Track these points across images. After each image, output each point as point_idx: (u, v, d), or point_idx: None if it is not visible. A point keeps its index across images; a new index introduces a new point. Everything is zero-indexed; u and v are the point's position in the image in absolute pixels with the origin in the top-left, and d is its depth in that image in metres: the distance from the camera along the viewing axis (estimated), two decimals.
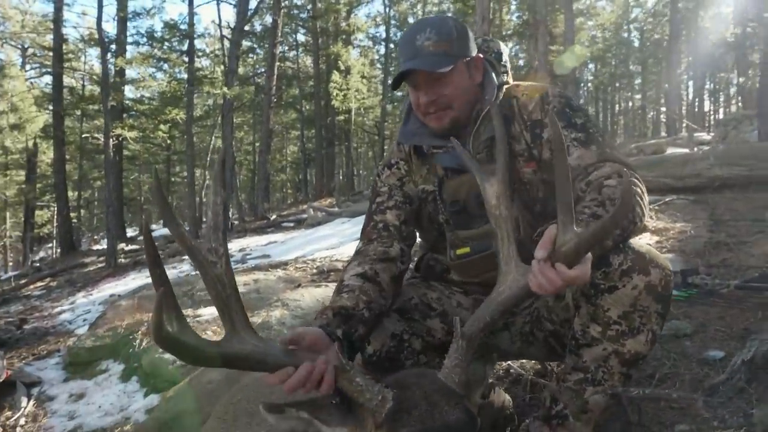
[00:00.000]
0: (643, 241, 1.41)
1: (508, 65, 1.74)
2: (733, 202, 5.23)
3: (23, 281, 11.69)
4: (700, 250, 3.67)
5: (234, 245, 10.37)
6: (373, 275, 1.52)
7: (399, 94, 29.11)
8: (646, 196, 1.39)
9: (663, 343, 2.39)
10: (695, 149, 10.75)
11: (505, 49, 1.78)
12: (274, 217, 16.19)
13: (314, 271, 5.28)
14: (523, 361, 2.45)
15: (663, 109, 33.00)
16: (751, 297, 2.65)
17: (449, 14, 24.43)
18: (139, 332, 4.04)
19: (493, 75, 1.64)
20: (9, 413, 3.38)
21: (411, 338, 1.58)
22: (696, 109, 33.30)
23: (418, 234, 1.91)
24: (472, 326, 1.17)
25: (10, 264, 25.66)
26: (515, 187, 1.59)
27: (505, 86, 1.66)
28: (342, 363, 1.06)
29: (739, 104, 27.84)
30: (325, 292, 4.01)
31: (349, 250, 6.40)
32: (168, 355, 3.30)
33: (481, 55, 1.62)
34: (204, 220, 23.65)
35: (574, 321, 1.45)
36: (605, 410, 1.48)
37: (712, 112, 37.14)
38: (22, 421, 3.26)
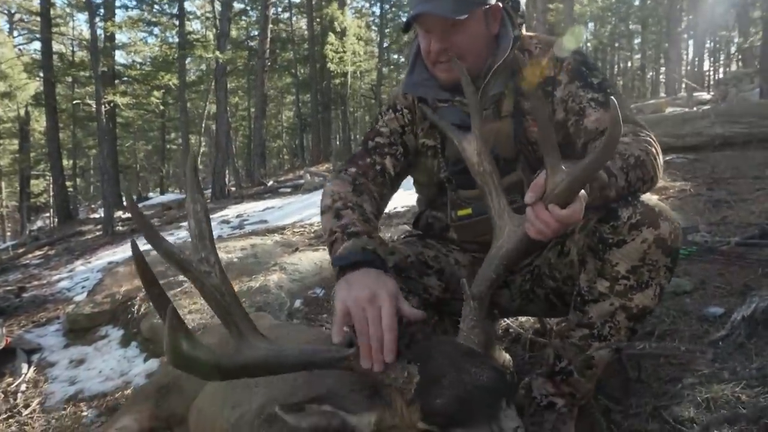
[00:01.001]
0: (652, 196, 1.38)
1: (525, 15, 1.65)
2: (733, 160, 5.20)
3: (21, 250, 11.68)
4: (700, 208, 3.66)
5: (231, 211, 10.34)
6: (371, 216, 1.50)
7: (395, 56, 28.68)
8: (660, 156, 1.36)
9: (663, 300, 2.37)
10: (695, 109, 10.64)
11: (543, 14, 1.69)
12: (271, 182, 16.12)
13: (311, 235, 5.26)
14: (522, 320, 2.45)
15: (663, 69, 32.58)
16: (751, 253, 2.65)
17: None
18: (138, 298, 4.03)
19: (510, 27, 1.55)
20: (10, 380, 3.39)
21: (408, 296, 1.53)
22: (696, 69, 32.84)
23: (415, 188, 1.87)
24: (480, 285, 1.14)
25: (8, 234, 25.67)
26: (520, 148, 1.54)
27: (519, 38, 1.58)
28: (357, 350, 1.03)
29: (739, 63, 27.48)
30: (323, 255, 3.99)
31: None
32: None
33: (500, 4, 1.53)
34: (201, 186, 23.54)
35: (580, 277, 1.42)
36: (609, 366, 1.47)
37: (712, 72, 36.68)
38: (23, 387, 3.27)
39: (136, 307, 3.87)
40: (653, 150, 1.33)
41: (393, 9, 27.03)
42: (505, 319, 2.38)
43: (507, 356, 2.02)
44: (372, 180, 1.60)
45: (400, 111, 1.69)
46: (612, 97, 1.41)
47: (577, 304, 1.44)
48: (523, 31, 1.64)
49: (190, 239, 1.25)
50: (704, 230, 3.05)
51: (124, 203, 20.32)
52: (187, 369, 0.95)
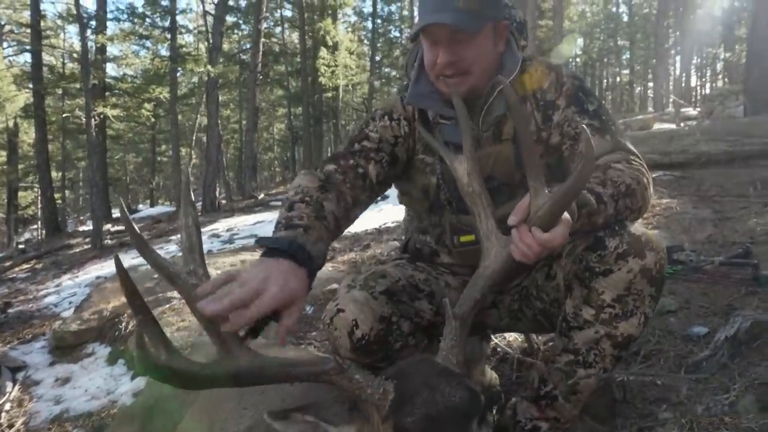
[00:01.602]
0: (638, 224, 1.40)
1: (528, 38, 1.65)
2: (718, 178, 5.27)
3: (8, 264, 11.55)
4: (685, 226, 3.70)
5: (221, 225, 10.31)
6: (338, 218, 1.41)
7: (387, 69, 28.87)
8: (651, 186, 1.38)
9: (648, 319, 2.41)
10: (682, 125, 10.80)
11: (532, 31, 1.69)
12: (262, 196, 16.10)
13: None
14: (510, 339, 2.46)
15: (650, 84, 33.03)
16: (735, 273, 2.67)
17: None
18: (125, 315, 4.00)
19: (515, 48, 1.54)
20: None
21: (399, 320, 1.53)
22: (683, 85, 33.35)
23: (405, 206, 1.86)
24: (463, 305, 1.15)
25: None
26: (522, 172, 1.54)
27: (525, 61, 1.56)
28: (339, 363, 1.01)
29: (726, 79, 27.93)
30: None
31: None
32: None
33: (507, 22, 1.50)
34: (192, 199, 23.43)
35: (566, 303, 1.43)
36: (594, 392, 1.48)
37: (699, 87, 37.23)
38: (7, 407, 3.23)
39: (123, 324, 3.85)
40: (644, 180, 1.35)
41: (384, 23, 27.28)
42: (493, 339, 2.39)
43: (494, 375, 2.03)
44: (350, 182, 1.50)
45: (397, 120, 1.62)
46: (588, 125, 1.42)
47: (562, 329, 1.44)
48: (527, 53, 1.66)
49: (180, 253, 1.25)
50: (689, 249, 3.08)
51: (114, 216, 20.20)
52: (162, 378, 0.96)
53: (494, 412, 1.86)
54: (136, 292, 0.97)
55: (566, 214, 1.10)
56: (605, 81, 40.73)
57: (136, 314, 0.96)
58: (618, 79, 40.51)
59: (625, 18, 34.50)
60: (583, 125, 1.02)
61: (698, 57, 35.13)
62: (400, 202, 1.85)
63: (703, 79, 38.09)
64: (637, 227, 1.35)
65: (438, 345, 1.70)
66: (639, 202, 1.34)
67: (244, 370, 1.03)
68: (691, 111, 15.84)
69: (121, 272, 0.97)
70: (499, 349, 2.39)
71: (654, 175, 5.28)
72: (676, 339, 2.21)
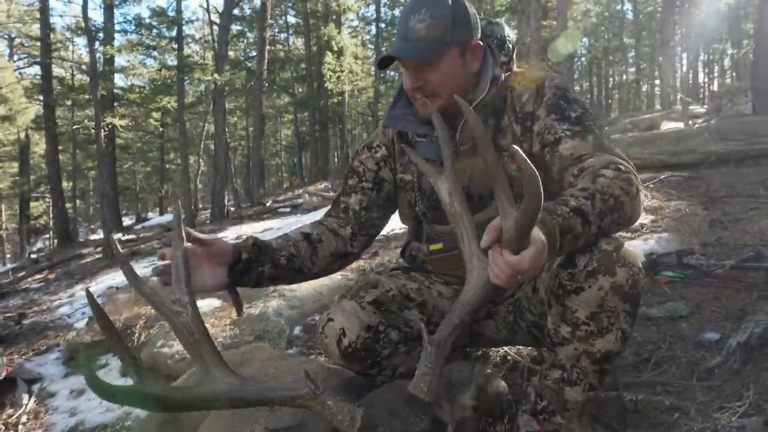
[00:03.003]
0: (617, 237, 1.35)
1: (513, 52, 1.66)
2: (728, 178, 5.23)
3: (21, 274, 11.67)
4: (695, 229, 3.68)
5: (230, 233, 10.35)
6: (315, 239, 1.64)
7: (392, 73, 28.90)
8: (641, 193, 1.34)
9: (659, 325, 2.40)
10: (690, 122, 10.73)
11: (511, 33, 1.69)
12: (269, 202, 16.14)
13: None
14: (520, 347, 2.46)
15: (657, 82, 32.82)
16: (747, 277, 2.66)
17: None
18: (138, 326, 4.04)
19: (491, 65, 1.56)
20: (11, 411, 3.39)
21: (387, 329, 1.60)
22: (690, 82, 33.11)
23: (401, 220, 1.90)
24: (442, 331, 1.12)
25: (8, 256, 25.64)
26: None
27: (504, 75, 1.59)
28: (313, 388, 1.04)
29: (734, 75, 27.71)
30: (322, 282, 4.01)
31: None
32: (167, 349, 3.31)
33: (480, 43, 1.54)
34: (200, 206, 23.61)
35: (548, 319, 1.44)
36: (586, 404, 1.49)
37: (706, 84, 36.95)
38: (24, 419, 3.27)
39: (136, 335, 3.88)
40: (633, 188, 1.30)
41: (389, 28, 27.31)
42: (503, 347, 2.39)
43: (503, 383, 2.04)
44: (335, 217, 1.74)
45: (377, 148, 1.75)
46: (568, 131, 1.44)
47: (548, 344, 1.46)
48: (513, 66, 1.67)
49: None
50: (699, 252, 3.07)
51: (124, 225, 20.36)
52: (135, 404, 1.08)
53: (505, 422, 1.88)
54: (105, 316, 1.10)
55: (541, 237, 1.06)
56: (611, 80, 40.55)
57: (107, 340, 1.08)
58: (624, 77, 40.29)
59: (630, 16, 34.33)
60: (515, 147, 0.97)
61: (705, 53, 34.88)
62: (401, 221, 1.90)
63: (711, 76, 37.81)
64: (611, 242, 1.31)
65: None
66: (627, 214, 1.29)
67: (222, 394, 1.08)
68: (699, 108, 15.73)
69: (93, 302, 1.13)
70: (509, 357, 2.39)
71: (662, 176, 5.27)
72: (687, 345, 2.20)
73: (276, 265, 1.52)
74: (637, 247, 3.35)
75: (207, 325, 3.41)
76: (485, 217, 1.49)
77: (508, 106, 1.56)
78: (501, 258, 1.05)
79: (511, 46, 1.66)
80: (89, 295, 1.13)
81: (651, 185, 5.23)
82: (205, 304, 3.97)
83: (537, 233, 1.06)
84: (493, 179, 1.07)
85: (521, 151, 0.96)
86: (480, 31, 1.55)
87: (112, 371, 3.75)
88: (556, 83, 1.54)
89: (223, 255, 1.44)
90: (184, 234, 1.28)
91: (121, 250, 1.27)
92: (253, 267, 1.49)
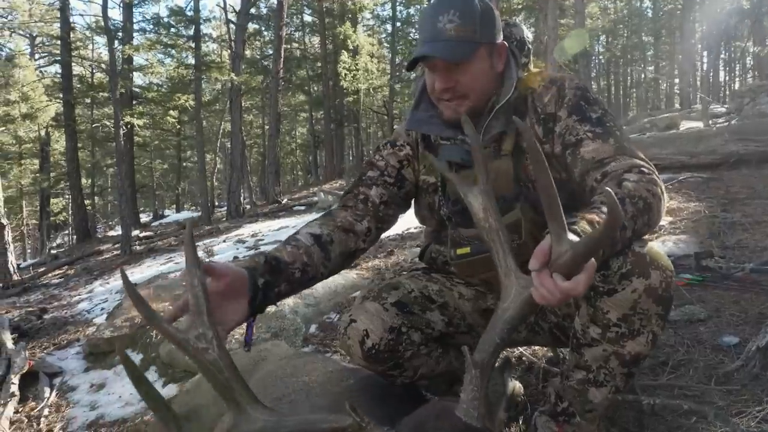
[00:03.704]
0: (646, 239, 1.36)
1: (530, 53, 1.68)
2: (748, 179, 5.16)
3: (41, 269, 11.89)
4: (714, 231, 3.63)
5: (246, 230, 10.45)
6: (327, 241, 1.54)
7: (408, 73, 28.79)
8: (665, 195, 1.33)
9: (677, 328, 2.38)
10: (710, 122, 10.58)
11: (528, 34, 1.70)
12: (285, 200, 16.25)
13: None
14: (536, 348, 2.45)
15: (677, 81, 32.39)
16: (767, 280, 2.63)
17: None
18: None
19: (513, 67, 1.57)
20: (33, 404, 3.46)
21: (409, 331, 1.60)
22: (711, 80, 32.60)
23: (418, 221, 1.90)
24: (483, 352, 1.10)
25: (28, 251, 26.10)
26: (520, 186, 1.56)
27: (524, 76, 1.60)
28: (357, 419, 0.98)
29: (755, 74, 27.24)
30: (337, 280, 4.03)
31: None
32: None
33: (505, 43, 1.55)
34: (216, 204, 23.82)
35: (575, 320, 1.43)
36: (608, 406, 1.48)
37: (727, 83, 36.38)
38: (45, 412, 3.34)
39: (155, 331, 3.93)
40: (658, 191, 1.30)
41: (404, 26, 27.27)
42: (518, 348, 2.39)
43: (518, 384, 2.04)
44: (353, 208, 1.64)
45: (401, 146, 1.73)
46: (589, 132, 1.42)
47: (573, 345, 1.45)
48: (531, 68, 1.67)
49: (207, 259, 1.29)
50: (718, 255, 3.04)
51: (142, 221, 20.61)
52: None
53: (520, 422, 1.88)
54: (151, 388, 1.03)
55: (593, 261, 1.05)
56: (629, 78, 40.08)
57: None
58: (643, 76, 39.80)
59: (649, 13, 33.89)
60: (608, 189, 0.96)
61: (726, 52, 34.33)
62: (419, 222, 1.89)
63: (732, 75, 37.22)
64: (643, 244, 1.31)
65: (452, 354, 1.73)
66: (655, 216, 1.29)
67: (260, 430, 1.01)
68: (720, 108, 15.50)
69: (128, 285, 1.08)
70: (524, 358, 2.39)
71: (681, 177, 5.21)
72: (706, 349, 2.18)
73: (290, 280, 1.44)
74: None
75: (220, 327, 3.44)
76: (510, 220, 1.50)
77: (529, 107, 1.56)
78: (551, 281, 1.03)
79: (529, 47, 1.67)
80: (124, 277, 1.06)
81: (670, 186, 5.18)
82: None
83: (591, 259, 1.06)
84: (546, 202, 1.04)
85: (611, 193, 0.94)
86: (501, 31, 1.56)
87: None
88: (576, 83, 1.54)
89: (241, 289, 1.31)
90: (197, 259, 1.16)
91: (141, 298, 1.10)
92: (270, 292, 1.40)
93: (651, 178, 1.31)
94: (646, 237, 1.36)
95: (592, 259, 1.05)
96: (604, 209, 1.20)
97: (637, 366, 1.41)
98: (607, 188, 0.97)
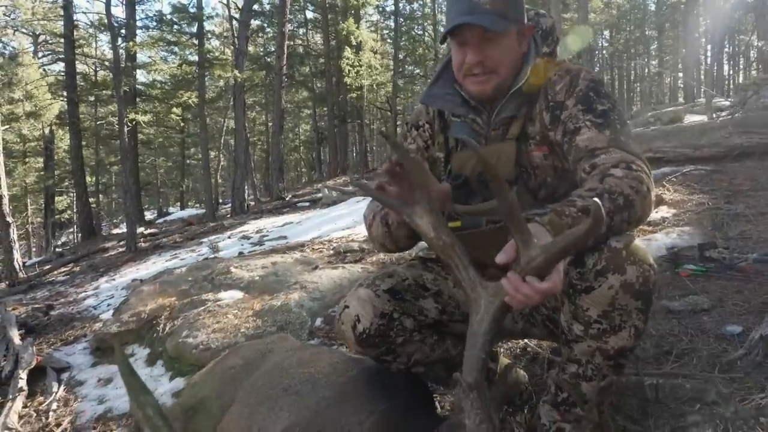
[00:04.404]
0: (629, 234, 1.35)
1: (557, 44, 1.69)
2: (752, 172, 5.15)
3: (47, 267, 11.94)
4: (717, 223, 3.64)
5: (251, 227, 10.47)
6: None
7: (410, 68, 28.84)
8: (653, 192, 1.34)
9: (681, 318, 2.40)
10: (714, 116, 10.53)
11: (557, 24, 1.73)
12: (289, 197, 16.28)
13: (331, 252, 5.32)
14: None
15: (680, 74, 32.23)
16: None
17: None
18: (162, 317, 4.13)
19: (533, 53, 1.60)
20: (41, 398, 3.49)
21: (401, 317, 1.62)
22: (715, 74, 32.45)
23: None
24: (473, 371, 1.09)
25: (33, 249, 26.24)
26: (521, 171, 1.58)
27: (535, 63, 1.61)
28: None
29: (759, 67, 27.08)
30: (342, 273, 4.05)
31: (364, 230, 6.42)
32: (191, 339, 3.38)
33: (532, 25, 1.59)
34: (221, 201, 23.87)
35: (561, 316, 1.45)
36: (606, 394, 1.49)
37: (731, 76, 36.19)
38: (54, 406, 3.37)
39: (161, 326, 3.96)
40: (644, 188, 1.30)
41: (407, 22, 27.22)
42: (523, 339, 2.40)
43: (523, 374, 2.06)
44: None
45: (423, 127, 1.76)
46: (589, 122, 1.44)
47: (563, 340, 1.47)
48: (556, 56, 1.68)
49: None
50: (722, 246, 3.04)
51: (146, 219, 20.67)
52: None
53: (525, 411, 1.90)
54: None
55: (563, 263, 1.09)
56: (633, 72, 39.93)
57: None
58: (646, 70, 39.64)
59: (653, 7, 33.76)
60: (597, 201, 0.97)
61: (730, 45, 34.15)
62: None
63: (736, 68, 37.02)
64: (621, 239, 1.31)
65: (449, 342, 1.75)
66: (638, 213, 1.29)
67: None
68: (724, 101, 15.42)
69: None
70: (529, 349, 2.40)
71: (685, 170, 5.20)
72: (709, 338, 2.19)
73: None
74: (659, 240, 3.33)
75: (230, 316, 3.46)
76: (490, 206, 1.54)
77: (541, 93, 1.57)
78: (526, 286, 1.05)
79: (555, 37, 1.68)
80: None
81: (674, 179, 5.18)
82: (228, 296, 4.04)
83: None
84: (505, 213, 1.06)
85: (598, 202, 0.97)
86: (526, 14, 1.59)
87: (137, 361, 3.84)
88: (591, 76, 1.55)
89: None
90: (142, 384, 1.13)
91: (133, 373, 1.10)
92: None
93: (637, 174, 1.31)
94: (648, 228, 1.37)
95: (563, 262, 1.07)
96: (579, 203, 1.22)
97: (624, 358, 1.42)
98: (596, 200, 0.97)
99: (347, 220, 7.89)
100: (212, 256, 7.22)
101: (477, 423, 1.03)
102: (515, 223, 1.06)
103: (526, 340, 2.43)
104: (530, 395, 1.99)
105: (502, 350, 2.36)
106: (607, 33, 34.32)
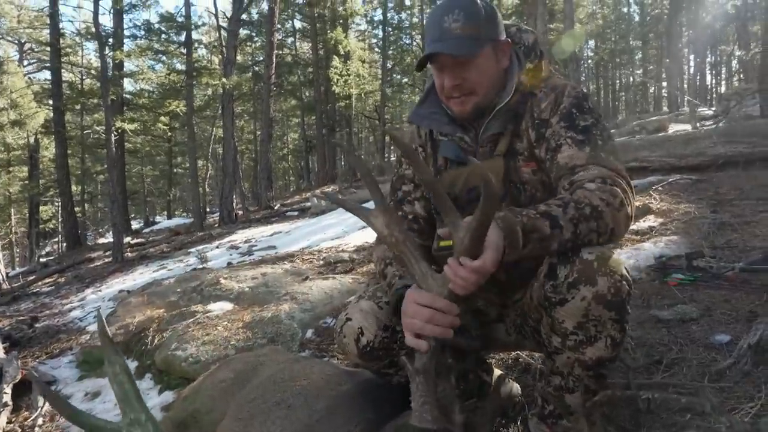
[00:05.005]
0: (598, 246, 1.36)
1: (541, 59, 1.68)
2: (737, 180, 5.23)
3: (31, 278, 11.77)
4: (704, 232, 3.68)
5: (239, 236, 10.42)
6: None
7: (398, 77, 28.99)
8: (629, 207, 1.35)
9: (670, 327, 2.42)
10: (698, 125, 10.70)
11: (539, 39, 1.74)
12: (278, 206, 16.23)
13: (321, 262, 5.30)
14: None
15: (664, 84, 32.72)
16: (756, 279, 2.67)
17: None
18: (150, 329, 4.08)
19: (516, 70, 1.60)
20: (26, 413, 3.43)
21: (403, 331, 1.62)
22: (698, 83, 32.99)
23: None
24: (422, 357, 1.15)
25: (17, 259, 25.85)
26: (509, 187, 1.59)
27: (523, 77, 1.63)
28: None
29: (741, 77, 27.57)
30: (333, 284, 4.04)
31: (354, 240, 6.43)
32: (180, 352, 3.35)
33: (509, 41, 1.59)
34: (208, 210, 23.73)
35: (541, 329, 1.47)
36: (595, 405, 1.50)
37: (714, 86, 36.80)
38: (39, 421, 3.31)
39: (149, 338, 3.92)
40: (617, 200, 1.31)
41: (395, 31, 27.39)
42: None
43: (516, 385, 2.06)
44: (411, 231, 1.68)
45: (416, 150, 1.74)
46: (570, 138, 1.46)
47: (545, 352, 1.49)
48: (541, 73, 1.68)
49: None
50: (709, 255, 3.08)
51: (133, 228, 20.48)
52: None
53: (518, 423, 1.90)
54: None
55: (493, 238, 1.13)
56: (618, 82, 40.45)
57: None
58: (631, 79, 40.18)
59: (637, 18, 34.30)
60: (486, 173, 1.03)
61: (712, 55, 34.76)
62: None
63: (718, 78, 37.66)
64: (593, 251, 1.32)
65: (447, 354, 1.75)
66: (609, 224, 1.30)
67: None
68: (707, 111, 15.67)
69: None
70: (521, 360, 2.41)
71: (670, 179, 5.26)
72: (698, 347, 2.21)
73: None
74: (648, 249, 3.36)
75: (220, 328, 3.42)
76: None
77: (527, 110, 1.58)
78: (461, 268, 1.11)
79: (538, 52, 1.68)
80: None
81: (659, 188, 5.24)
82: (218, 308, 4.01)
83: (490, 234, 1.13)
84: (435, 197, 1.14)
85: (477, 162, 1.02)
86: (509, 35, 1.61)
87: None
88: (576, 92, 1.56)
89: None
90: (115, 347, 1.15)
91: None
92: None
93: (610, 189, 1.33)
94: (635, 237, 1.40)
95: (494, 236, 1.12)
96: (541, 208, 1.27)
97: (604, 368, 1.44)
98: (486, 174, 1.03)
99: (337, 229, 7.88)
100: (201, 266, 7.17)
101: (420, 404, 1.08)
102: (443, 205, 1.12)
103: (517, 351, 2.43)
104: (523, 407, 1.99)
105: (494, 360, 2.36)
106: (592, 43, 34.78)
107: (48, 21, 18.70)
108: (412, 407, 1.11)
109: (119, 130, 14.94)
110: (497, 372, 2.03)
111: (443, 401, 1.16)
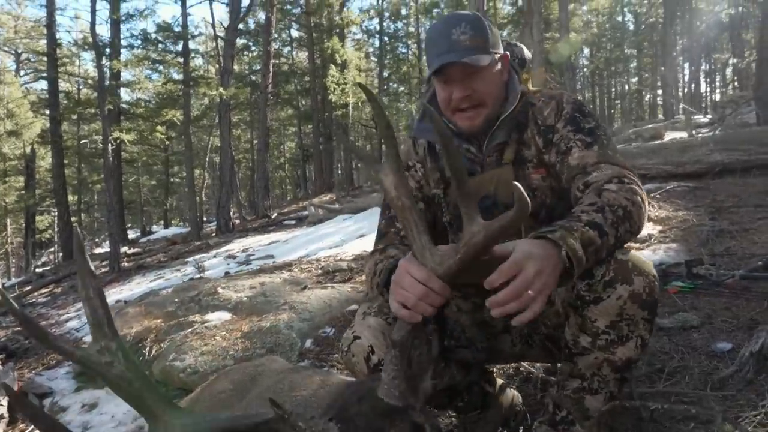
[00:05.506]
0: (628, 248, 1.40)
1: (529, 71, 1.76)
2: (734, 188, 5.25)
3: (27, 288, 11.70)
4: (703, 239, 3.69)
5: (236, 245, 10.39)
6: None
7: (394, 86, 29.10)
8: (646, 203, 1.39)
9: (671, 336, 2.41)
10: (693, 132, 10.75)
11: (528, 53, 1.80)
12: (275, 215, 16.20)
13: (319, 271, 5.29)
14: None
15: (660, 92, 32.91)
16: (756, 286, 2.67)
17: (442, 4, 24.33)
18: (148, 339, 4.05)
19: (516, 81, 1.66)
20: (23, 426, 3.39)
21: None
22: (693, 91, 33.20)
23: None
24: (401, 330, 1.13)
25: (13, 269, 25.73)
26: None
27: (525, 93, 1.68)
28: (279, 413, 0.96)
29: (736, 84, 27.77)
30: (331, 293, 4.02)
31: (352, 248, 6.41)
32: (179, 363, 3.32)
33: (508, 53, 1.65)
34: (205, 219, 23.71)
35: (566, 330, 1.46)
36: (607, 412, 1.49)
37: (708, 94, 37.04)
38: None
39: (147, 349, 3.89)
40: (638, 198, 1.35)
41: (392, 41, 27.53)
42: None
43: (517, 394, 2.05)
44: (399, 245, 1.63)
45: (414, 167, 1.76)
46: (579, 140, 1.50)
47: (566, 355, 1.48)
48: (529, 86, 1.73)
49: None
50: (709, 262, 3.08)
51: (130, 238, 20.41)
52: None
53: (520, 431, 1.88)
54: None
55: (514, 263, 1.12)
56: (613, 90, 40.67)
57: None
58: (626, 87, 40.42)
59: (631, 27, 34.56)
60: (517, 184, 0.98)
61: (707, 63, 35.01)
62: None
63: (713, 86, 37.91)
64: (625, 252, 1.36)
65: (453, 368, 1.74)
66: (637, 222, 1.34)
67: None
68: (703, 118, 15.76)
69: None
70: (522, 369, 2.40)
71: (668, 187, 5.27)
72: (700, 355, 2.20)
73: None
74: (647, 257, 3.36)
75: (218, 338, 3.41)
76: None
77: (530, 119, 1.63)
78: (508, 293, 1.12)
79: (530, 65, 1.77)
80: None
81: (658, 195, 5.25)
82: (216, 317, 3.99)
83: (521, 246, 1.13)
84: (457, 187, 1.09)
85: (519, 187, 0.98)
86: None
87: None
88: (573, 99, 1.64)
89: None
90: (91, 269, 1.06)
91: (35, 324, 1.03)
92: None
93: (630, 187, 1.37)
94: (634, 245, 1.40)
95: (515, 263, 1.11)
96: (584, 218, 1.26)
97: (629, 371, 1.45)
98: (516, 183, 0.99)
99: (334, 238, 7.87)
100: (198, 276, 7.13)
101: (391, 378, 1.08)
102: (464, 195, 1.08)
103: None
104: (524, 416, 1.98)
105: (495, 370, 2.35)
106: (587, 51, 35.01)
107: (45, 31, 18.75)
108: (382, 377, 1.10)
109: (116, 140, 14.92)
110: (498, 381, 2.02)
111: (416, 368, 1.13)
